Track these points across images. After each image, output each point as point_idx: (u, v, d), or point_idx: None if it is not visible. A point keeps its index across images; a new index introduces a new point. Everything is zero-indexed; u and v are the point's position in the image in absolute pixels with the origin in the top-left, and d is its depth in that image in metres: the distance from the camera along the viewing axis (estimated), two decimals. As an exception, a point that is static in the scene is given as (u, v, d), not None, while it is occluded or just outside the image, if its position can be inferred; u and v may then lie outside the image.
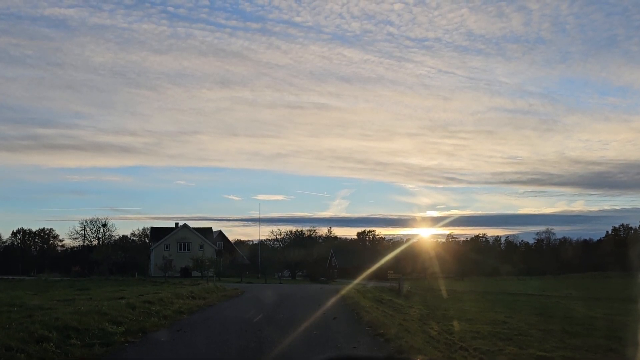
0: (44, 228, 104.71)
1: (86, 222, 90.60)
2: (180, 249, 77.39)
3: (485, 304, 32.74)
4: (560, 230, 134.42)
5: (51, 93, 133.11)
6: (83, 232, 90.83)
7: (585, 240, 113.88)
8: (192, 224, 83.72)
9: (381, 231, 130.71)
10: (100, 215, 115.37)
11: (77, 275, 63.52)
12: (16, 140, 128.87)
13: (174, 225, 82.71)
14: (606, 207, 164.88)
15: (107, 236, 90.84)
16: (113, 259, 72.67)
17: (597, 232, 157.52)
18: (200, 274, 59.54)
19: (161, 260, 67.08)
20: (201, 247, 76.92)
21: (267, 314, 19.43)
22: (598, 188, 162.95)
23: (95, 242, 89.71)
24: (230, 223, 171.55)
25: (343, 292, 32.90)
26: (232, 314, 20.05)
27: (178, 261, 70.88)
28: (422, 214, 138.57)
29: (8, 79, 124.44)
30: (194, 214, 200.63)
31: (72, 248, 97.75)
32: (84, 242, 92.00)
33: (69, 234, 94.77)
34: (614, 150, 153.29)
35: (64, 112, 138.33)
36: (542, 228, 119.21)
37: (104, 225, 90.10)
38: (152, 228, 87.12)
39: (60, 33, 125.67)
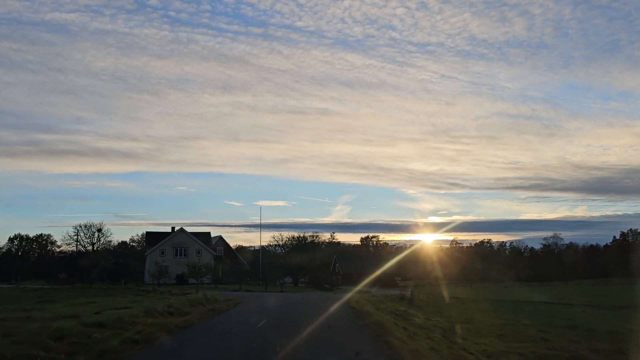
0: (41, 234, 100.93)
1: (80, 227, 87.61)
2: (176, 255, 74.06)
3: (508, 315, 30.09)
4: (563, 236, 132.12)
5: (52, 98, 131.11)
6: (76, 237, 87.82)
7: (592, 245, 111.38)
8: (194, 230, 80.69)
9: (384, 237, 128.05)
10: (105, 221, 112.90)
11: (63, 283, 60.63)
12: (17, 145, 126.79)
13: (170, 230, 79.62)
14: (609, 213, 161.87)
15: (102, 242, 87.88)
16: (103, 265, 69.27)
17: (600, 237, 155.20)
18: (196, 281, 56.62)
19: (154, 266, 64.09)
20: (198, 252, 73.56)
21: (261, 340, 15.46)
22: (601, 193, 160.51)
23: (90, 248, 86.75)
24: (232, 229, 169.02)
25: (353, 303, 30.16)
26: (209, 344, 14.90)
27: (174, 267, 67.82)
28: (425, 220, 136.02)
29: (9, 84, 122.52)
30: (196, 220, 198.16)
31: (69, 253, 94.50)
32: (77, 247, 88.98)
33: (62, 239, 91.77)
34: (617, 156, 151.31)
35: (65, 117, 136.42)
36: (545, 234, 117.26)
37: (99, 230, 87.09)
38: (147, 233, 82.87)
39: (62, 38, 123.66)
